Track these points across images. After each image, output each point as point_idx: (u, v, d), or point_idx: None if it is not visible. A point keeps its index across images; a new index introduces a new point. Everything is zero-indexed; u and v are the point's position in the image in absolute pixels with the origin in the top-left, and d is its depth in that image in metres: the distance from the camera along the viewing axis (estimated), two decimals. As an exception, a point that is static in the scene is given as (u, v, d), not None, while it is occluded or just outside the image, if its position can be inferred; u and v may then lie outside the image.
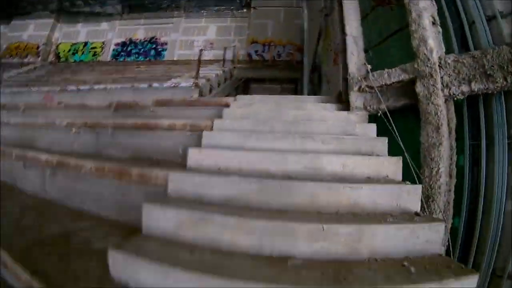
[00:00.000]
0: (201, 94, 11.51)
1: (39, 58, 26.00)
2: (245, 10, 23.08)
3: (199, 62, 12.47)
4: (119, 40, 25.35)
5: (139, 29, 25.23)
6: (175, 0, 24.30)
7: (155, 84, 12.14)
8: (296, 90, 18.54)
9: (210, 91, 13.06)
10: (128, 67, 20.91)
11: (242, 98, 6.37)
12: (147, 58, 23.93)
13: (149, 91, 12.04)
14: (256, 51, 20.66)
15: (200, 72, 12.34)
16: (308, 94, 13.16)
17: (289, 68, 18.27)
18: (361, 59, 5.30)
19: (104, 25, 26.27)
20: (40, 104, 10.85)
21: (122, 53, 24.94)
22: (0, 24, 28.08)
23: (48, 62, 25.84)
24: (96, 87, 13.38)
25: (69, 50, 26.40)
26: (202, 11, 24.22)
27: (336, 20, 6.44)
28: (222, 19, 23.61)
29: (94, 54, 25.50)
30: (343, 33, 5.57)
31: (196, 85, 11.45)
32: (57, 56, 26.70)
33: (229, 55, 18.40)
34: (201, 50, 13.18)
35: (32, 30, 27.36)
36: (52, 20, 27.07)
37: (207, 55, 20.99)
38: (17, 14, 27.83)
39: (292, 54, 19.41)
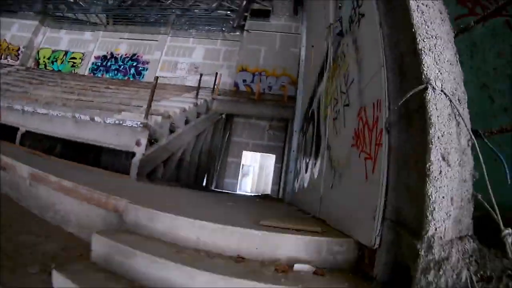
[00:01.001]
0: (150, 138, 8.81)
1: (18, 62, 24.25)
2: (237, 33, 20.83)
3: (153, 94, 9.91)
4: (100, 53, 23.31)
5: (122, 43, 23.15)
6: (164, 14, 22.03)
7: (97, 119, 9.53)
8: (287, 131, 15.98)
9: (172, 131, 10.38)
10: (98, 85, 18.63)
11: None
12: (126, 77, 21.84)
13: (91, 125, 9.92)
14: (244, 81, 18.22)
15: (163, 103, 9.91)
16: (297, 149, 10.49)
17: (280, 106, 15.34)
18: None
19: (88, 35, 24.36)
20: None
21: (101, 68, 22.91)
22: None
23: (24, 68, 23.79)
24: (39, 110, 11.42)
25: (49, 58, 24.61)
26: (191, 30, 22.10)
27: (373, 41, 3.15)
28: (212, 41, 21.38)
29: (73, 65, 23.57)
30: (414, 78, 2.18)
31: (145, 126, 8.69)
32: (37, 62, 24.87)
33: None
34: (156, 78, 10.44)
35: (16, 30, 25.55)
36: (37, 22, 25.30)
37: (191, 80, 19.09)
38: (5, 11, 25.94)
39: (285, 87, 16.63)
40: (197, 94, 13.87)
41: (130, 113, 10.68)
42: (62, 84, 18.64)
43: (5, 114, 12.14)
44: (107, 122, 9.34)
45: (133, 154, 8.79)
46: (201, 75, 15.02)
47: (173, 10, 21.80)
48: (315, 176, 5.69)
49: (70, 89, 17.01)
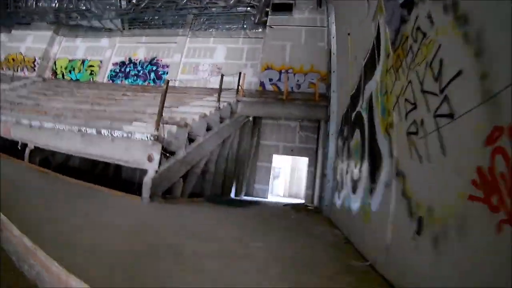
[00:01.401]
0: (165, 151, 7.55)
1: (35, 74, 23.71)
2: (260, 30, 19.31)
3: (163, 101, 8.34)
4: (118, 60, 22.32)
5: (140, 48, 22.03)
6: (180, 15, 20.76)
7: (104, 132, 8.34)
8: (319, 131, 14.48)
9: (192, 140, 9.11)
10: (115, 92, 17.73)
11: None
12: (146, 82, 20.76)
13: (97, 140, 8.67)
14: (270, 80, 16.60)
15: (182, 109, 8.68)
16: (335, 155, 9.01)
17: (311, 105, 13.52)
18: None
19: (104, 41, 23.47)
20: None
21: (119, 74, 21.92)
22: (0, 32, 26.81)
23: (41, 78, 23.26)
24: (46, 125, 10.37)
25: (66, 67, 23.87)
26: (211, 30, 20.78)
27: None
28: (233, 40, 19.88)
29: (91, 74, 22.71)
30: None
31: (157, 138, 7.41)
32: (54, 72, 24.22)
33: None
34: (167, 82, 8.97)
35: (31, 42, 25.13)
36: (51, 32, 24.73)
37: (214, 82, 17.74)
38: (18, 24, 25.93)
39: (315, 85, 15.09)
40: (219, 97, 12.32)
41: (143, 123, 9.38)
42: (78, 93, 17.87)
43: (14, 129, 11.47)
44: (115, 135, 8.07)
45: (145, 171, 7.59)
46: (222, 75, 13.42)
47: (190, 10, 20.47)
48: (373, 208, 4.20)
49: (85, 99, 16.21)
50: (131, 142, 7.65)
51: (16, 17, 25.28)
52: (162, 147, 7.49)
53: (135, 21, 22.32)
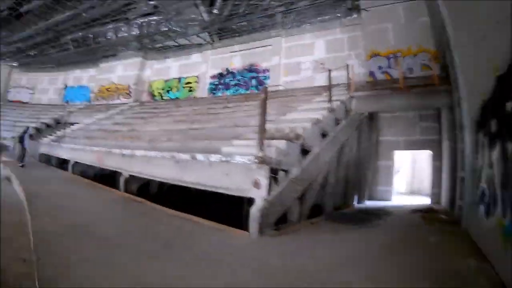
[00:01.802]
0: (274, 172, 6.28)
1: (131, 99, 24.69)
2: (355, 15, 17.06)
3: (264, 110, 6.56)
4: (215, 72, 21.84)
5: (235, 56, 21.29)
6: (268, 16, 19.38)
7: (200, 157, 7.21)
8: (440, 120, 12.35)
9: (306, 151, 7.79)
10: (216, 105, 16.98)
11: None
12: (249, 90, 19.77)
13: (193, 165, 7.45)
14: (379, 68, 14.47)
15: (289, 116, 7.43)
16: (474, 156, 6.53)
17: (429, 91, 11.38)
18: None
19: (196, 57, 23.31)
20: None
21: (219, 86, 21.42)
22: (89, 67, 29.10)
23: (138, 102, 24.12)
24: (137, 153, 9.74)
25: (163, 88, 24.31)
26: (304, 25, 19.04)
27: None
28: (330, 31, 17.94)
29: (190, 90, 22.73)
30: None
31: (262, 160, 6.12)
32: (151, 94, 24.87)
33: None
34: (265, 89, 7.11)
35: (122, 71, 26.36)
36: (140, 58, 25.49)
37: (319, 79, 16.48)
38: (104, 57, 27.34)
39: (429, 67, 12.92)
40: (329, 96, 10.66)
41: (245, 140, 8.10)
42: (177, 112, 17.44)
43: (107, 158, 11.22)
44: (212, 160, 6.86)
45: (250, 200, 6.16)
46: (329, 71, 11.62)
47: (276, 9, 18.79)
48: None
49: (184, 117, 15.64)
50: (231, 166, 6.24)
51: (101, 51, 26.42)
52: (271, 169, 5.94)
53: (223, 31, 21.37)
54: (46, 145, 18.16)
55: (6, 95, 34.19)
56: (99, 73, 28.23)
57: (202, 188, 7.00)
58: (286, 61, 18.90)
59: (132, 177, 9.60)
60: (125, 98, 25.27)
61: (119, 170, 10.13)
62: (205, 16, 19.07)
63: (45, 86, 32.91)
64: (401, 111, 13.41)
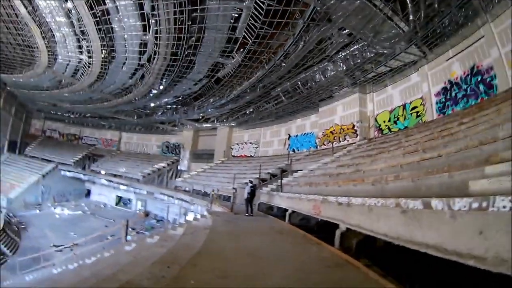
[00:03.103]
0: None
1: (357, 137, 23.70)
2: None
3: None
4: (438, 88, 18.81)
5: (453, 64, 17.78)
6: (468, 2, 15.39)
7: (437, 204, 4.54)
8: None
9: None
10: (448, 125, 13.75)
11: None
12: (479, 97, 15.90)
13: (428, 217, 4.74)
14: None
15: None
16: None
17: None
18: None
19: (414, 77, 20.86)
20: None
21: (447, 103, 18.18)
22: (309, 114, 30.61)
23: (366, 140, 22.85)
24: (355, 200, 7.58)
25: (389, 119, 22.37)
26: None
27: None
28: None
29: (418, 115, 20.16)
30: None
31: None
32: (379, 129, 23.19)
33: None
34: None
35: (342, 111, 25.89)
36: (357, 94, 24.50)
37: None
38: (321, 100, 27.94)
39: None
40: None
41: (504, 165, 5.27)
42: (406, 143, 15.10)
43: (323, 207, 9.66)
44: (455, 207, 4.45)
45: None
46: None
47: None
48: None
49: (414, 147, 13.20)
50: (489, 218, 3.80)
51: (315, 96, 27.05)
52: None
53: (430, 38, 18.05)
54: (266, 194, 18.16)
55: (230, 152, 38.06)
56: (320, 118, 28.85)
57: (442, 255, 4.36)
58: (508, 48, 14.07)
59: (349, 230, 7.69)
60: (351, 138, 24.52)
61: (335, 221, 8.47)
62: (403, 26, 16.51)
63: (268, 139, 35.87)
64: None
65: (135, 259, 9.19)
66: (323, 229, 9.64)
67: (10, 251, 24.14)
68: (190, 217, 19.61)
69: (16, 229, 29.43)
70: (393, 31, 17.10)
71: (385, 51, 19.24)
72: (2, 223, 26.55)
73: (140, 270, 6.00)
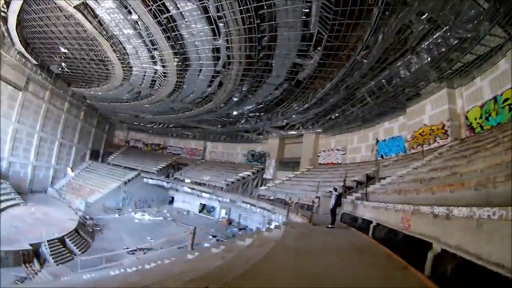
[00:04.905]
0: None
1: (449, 138, 21.28)
2: None
3: None
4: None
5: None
6: None
7: None
8: None
9: None
10: None
11: None
12: None
13: None
14: None
15: None
16: None
17: None
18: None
19: (502, 64, 17.96)
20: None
21: None
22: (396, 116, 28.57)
23: (457, 140, 20.41)
24: (456, 211, 5.63)
25: (480, 116, 19.51)
26: None
27: None
28: None
29: (510, 109, 17.09)
30: None
31: None
32: (470, 128, 20.44)
33: None
34: None
35: (430, 110, 23.45)
36: (445, 89, 22.06)
37: None
38: (408, 99, 25.81)
39: None
40: None
41: None
42: (504, 138, 13.01)
43: (413, 220, 7.86)
44: None
45: None
46: None
47: None
48: None
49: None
50: None
51: (402, 95, 25.20)
52: None
53: None
54: (349, 204, 16.57)
55: (316, 159, 36.49)
56: (408, 119, 26.59)
57: None
58: None
59: (446, 252, 5.94)
60: (442, 139, 22.05)
61: (427, 240, 6.74)
62: (482, 3, 14.70)
63: (355, 145, 34.33)
64: None
65: (180, 273, 8.84)
66: (411, 245, 7.87)
67: (80, 250, 25.64)
68: (273, 226, 18.69)
69: (91, 230, 31.22)
70: (473, 11, 15.30)
71: (468, 35, 17.04)
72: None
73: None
